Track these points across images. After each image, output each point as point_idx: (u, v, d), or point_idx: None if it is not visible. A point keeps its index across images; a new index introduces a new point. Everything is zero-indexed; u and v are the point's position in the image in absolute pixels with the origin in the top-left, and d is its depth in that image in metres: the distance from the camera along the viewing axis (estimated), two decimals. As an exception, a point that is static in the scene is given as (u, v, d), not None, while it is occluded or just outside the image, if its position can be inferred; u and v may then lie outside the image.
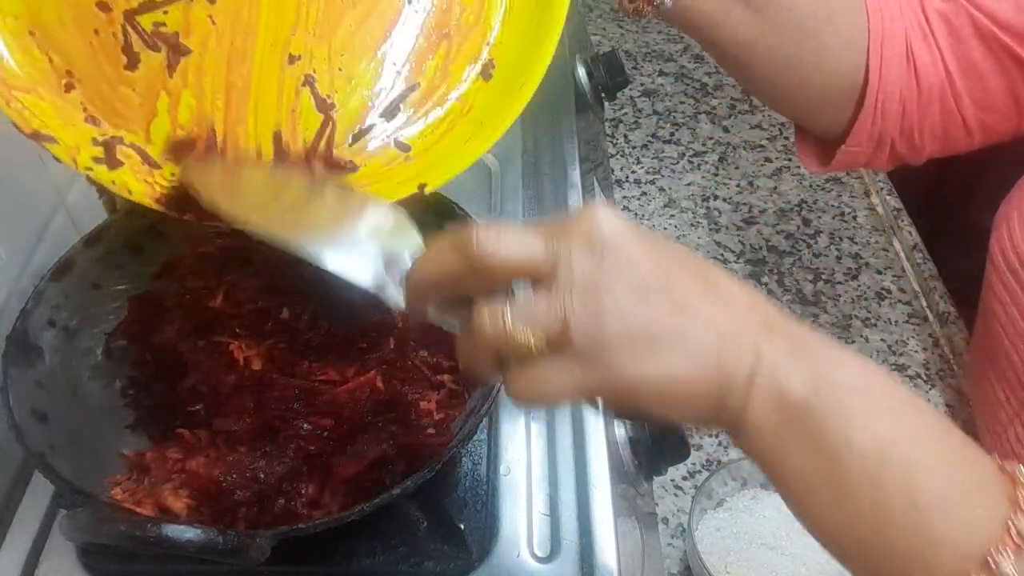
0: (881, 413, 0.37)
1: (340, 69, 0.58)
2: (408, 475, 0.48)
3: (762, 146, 1.24)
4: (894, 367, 0.95)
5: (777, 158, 1.22)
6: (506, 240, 0.37)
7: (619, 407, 0.41)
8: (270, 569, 0.48)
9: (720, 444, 0.86)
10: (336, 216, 0.50)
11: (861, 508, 0.37)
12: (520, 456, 0.58)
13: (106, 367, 0.59)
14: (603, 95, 0.94)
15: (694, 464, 0.84)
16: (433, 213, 0.57)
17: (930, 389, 0.93)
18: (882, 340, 0.98)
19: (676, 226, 1.11)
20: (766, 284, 1.03)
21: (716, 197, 1.15)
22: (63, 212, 0.72)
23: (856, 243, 1.10)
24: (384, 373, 0.56)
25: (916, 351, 0.96)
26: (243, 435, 0.53)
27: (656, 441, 0.60)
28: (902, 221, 1.12)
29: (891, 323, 1.00)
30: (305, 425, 0.53)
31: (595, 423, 0.60)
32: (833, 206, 1.15)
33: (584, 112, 0.91)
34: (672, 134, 1.25)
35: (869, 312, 1.01)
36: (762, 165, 1.21)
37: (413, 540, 0.54)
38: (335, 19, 0.58)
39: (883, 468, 0.36)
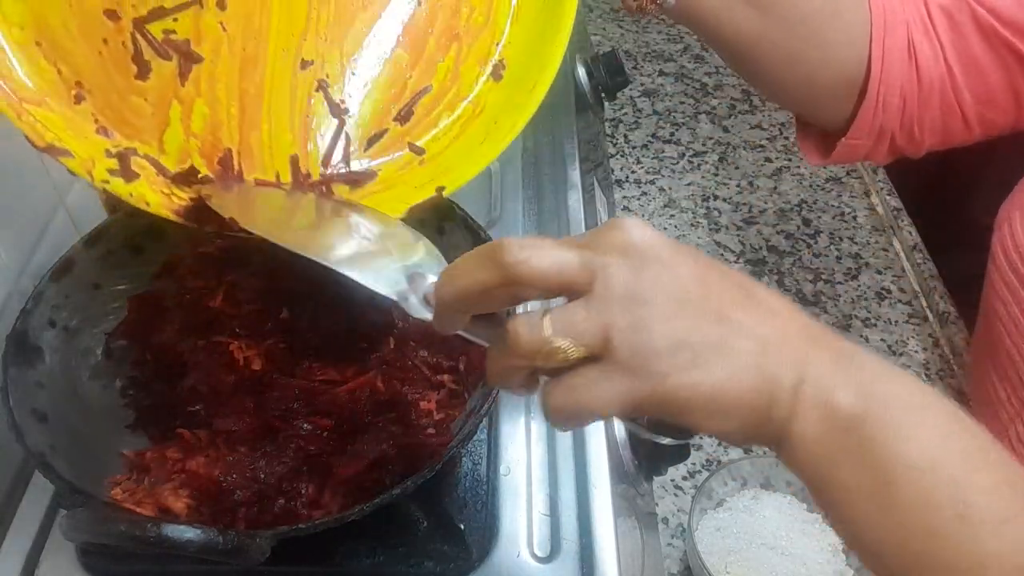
0: (932, 428, 0.37)
1: (353, 73, 0.58)
2: (408, 475, 0.48)
3: (762, 146, 1.24)
4: (894, 367, 0.94)
5: (777, 158, 1.22)
6: (540, 250, 0.36)
7: (662, 419, 0.40)
8: (270, 569, 0.48)
9: (720, 444, 0.86)
10: (353, 233, 0.49)
11: (909, 521, 0.37)
12: (520, 456, 0.58)
13: (106, 367, 0.59)
14: (603, 95, 0.94)
15: (694, 464, 0.84)
16: (432, 213, 0.57)
17: (930, 389, 0.92)
18: (882, 340, 0.98)
19: (676, 226, 1.11)
20: (766, 284, 1.03)
21: (716, 197, 1.15)
22: (63, 212, 0.72)
23: (856, 243, 1.10)
24: (384, 373, 0.56)
25: (916, 351, 0.96)
26: (243, 435, 0.53)
27: (656, 441, 0.60)
28: (902, 221, 1.12)
29: (891, 323, 1.00)
30: (305, 425, 0.53)
31: (595, 423, 0.60)
32: (833, 206, 1.15)
33: (584, 112, 0.91)
34: (672, 134, 1.25)
35: (869, 312, 1.01)
36: (762, 165, 1.21)
37: (413, 540, 0.54)
38: (346, 23, 0.58)
39: (933, 481, 0.36)
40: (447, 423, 0.55)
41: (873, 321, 1.00)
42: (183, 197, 0.52)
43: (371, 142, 0.58)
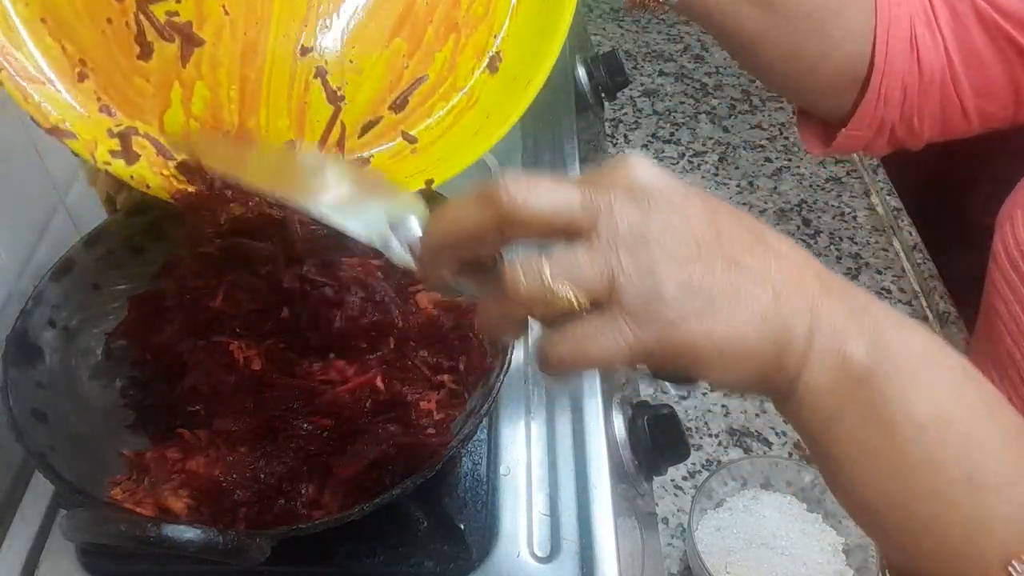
0: (943, 383, 0.36)
1: (351, 61, 0.58)
2: (408, 475, 0.48)
3: (762, 146, 1.23)
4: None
5: (777, 158, 1.22)
6: (540, 189, 0.34)
7: (670, 368, 0.37)
8: (270, 569, 0.48)
9: (720, 444, 0.86)
10: (341, 183, 0.48)
11: (915, 480, 0.35)
12: (520, 456, 0.58)
13: (106, 367, 0.59)
14: (603, 95, 0.94)
15: (694, 464, 0.84)
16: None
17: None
18: (882, 340, 0.97)
19: (676, 226, 1.11)
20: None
21: (716, 197, 1.15)
22: (63, 212, 0.72)
23: (856, 243, 1.10)
24: (384, 373, 0.56)
25: (916, 351, 0.96)
26: (243, 435, 0.53)
27: (656, 441, 0.60)
28: (902, 221, 1.12)
29: (891, 323, 0.99)
30: (305, 425, 0.53)
31: (595, 423, 0.60)
32: (833, 206, 1.15)
33: (584, 112, 0.91)
34: (672, 134, 1.25)
35: (869, 312, 1.01)
36: (762, 165, 1.21)
37: (413, 540, 0.53)
38: (346, 11, 0.58)
39: (942, 440, 0.35)
40: (447, 423, 0.55)
41: (873, 321, 1.00)
42: (183, 180, 0.52)
43: (365, 129, 0.58)
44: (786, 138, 1.24)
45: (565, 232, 0.34)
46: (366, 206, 0.42)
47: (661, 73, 1.36)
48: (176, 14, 0.53)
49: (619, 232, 0.34)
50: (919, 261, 1.06)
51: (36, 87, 0.49)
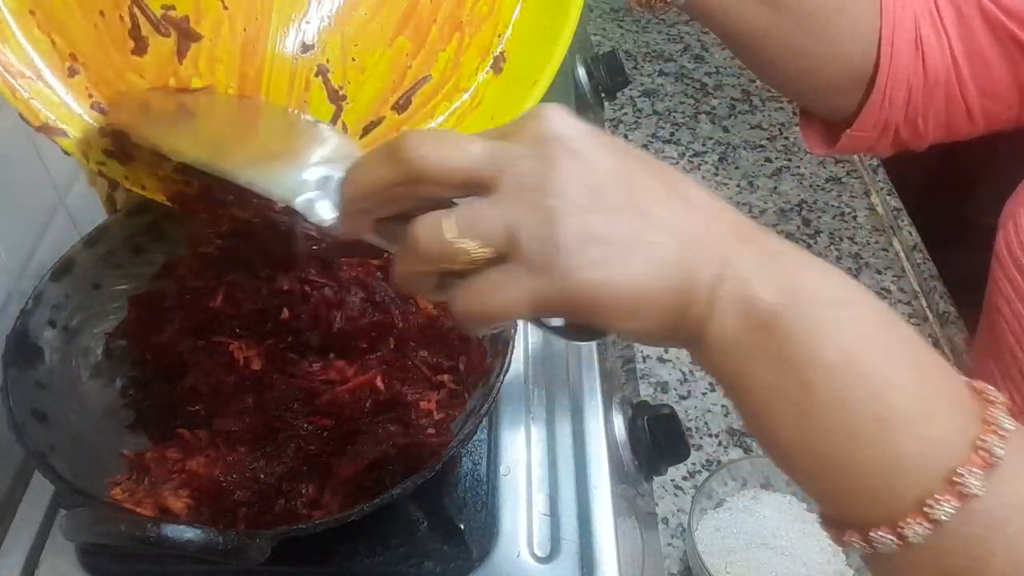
0: (851, 325, 0.35)
1: (353, 59, 0.57)
2: (408, 475, 0.48)
3: (762, 146, 1.24)
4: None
5: (777, 158, 1.22)
6: (443, 143, 0.34)
7: (573, 320, 0.37)
8: (270, 569, 0.48)
9: (720, 444, 0.86)
10: (286, 141, 0.46)
11: (825, 422, 0.35)
12: (520, 456, 0.58)
13: (106, 367, 0.59)
14: (603, 95, 0.94)
15: (694, 464, 0.84)
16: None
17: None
18: (882, 340, 0.97)
19: (676, 226, 1.11)
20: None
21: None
22: (63, 212, 0.72)
23: (856, 243, 1.10)
24: (384, 373, 0.56)
25: (916, 351, 0.96)
26: (243, 435, 0.53)
27: (656, 441, 0.60)
28: (902, 221, 1.12)
29: (891, 323, 0.99)
30: (305, 425, 0.53)
31: (595, 423, 0.60)
32: (833, 206, 1.15)
33: (584, 112, 0.91)
34: (672, 134, 1.25)
35: (869, 312, 1.01)
36: (762, 165, 1.21)
37: (413, 540, 0.53)
38: (349, 7, 0.57)
39: (850, 381, 0.34)
40: (447, 423, 0.55)
41: (873, 321, 1.00)
42: (178, 180, 0.51)
43: (367, 130, 0.57)
44: (786, 138, 1.24)
45: (471, 186, 0.35)
46: (308, 165, 0.41)
47: (661, 73, 1.36)
48: (172, 8, 0.51)
49: (521, 184, 0.34)
50: (919, 261, 1.06)
51: (25, 83, 0.47)
